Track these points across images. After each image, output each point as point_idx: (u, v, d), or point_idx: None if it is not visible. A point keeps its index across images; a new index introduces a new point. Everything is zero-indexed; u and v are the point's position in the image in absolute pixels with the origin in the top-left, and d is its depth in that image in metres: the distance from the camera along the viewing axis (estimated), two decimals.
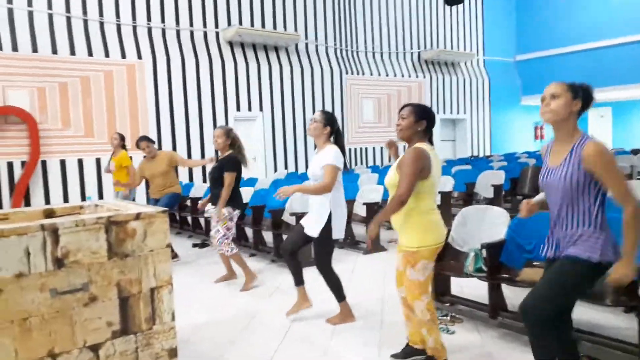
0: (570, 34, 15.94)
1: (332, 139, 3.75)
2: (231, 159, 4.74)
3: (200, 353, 3.31)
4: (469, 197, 8.06)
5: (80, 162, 9.17)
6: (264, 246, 6.25)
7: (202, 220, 7.53)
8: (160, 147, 9.86)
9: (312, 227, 3.65)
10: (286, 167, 11.77)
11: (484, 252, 3.59)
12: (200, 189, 8.36)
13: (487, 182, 7.90)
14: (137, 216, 2.58)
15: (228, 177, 4.69)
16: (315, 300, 4.01)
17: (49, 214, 3.05)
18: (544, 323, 2.18)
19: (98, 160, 9.23)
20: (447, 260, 3.90)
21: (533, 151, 15.04)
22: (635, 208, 2.04)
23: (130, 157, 6.88)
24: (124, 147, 6.92)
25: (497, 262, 3.55)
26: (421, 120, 2.84)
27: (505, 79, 16.90)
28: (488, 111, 16.33)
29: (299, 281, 3.86)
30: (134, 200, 6.62)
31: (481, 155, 15.76)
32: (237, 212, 4.85)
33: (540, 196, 2.49)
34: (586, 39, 15.49)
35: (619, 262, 2.10)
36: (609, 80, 14.95)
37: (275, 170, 11.51)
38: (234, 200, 4.79)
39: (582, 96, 2.19)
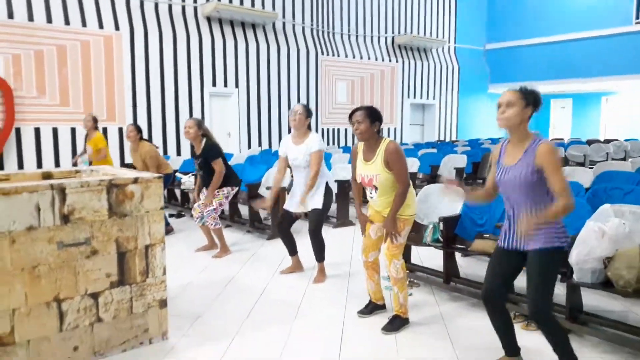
0: (539, 26, 16.54)
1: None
2: (211, 147, 4.93)
3: (183, 309, 3.63)
4: (432, 179, 8.53)
5: (55, 130, 9.21)
6: (240, 218, 6.58)
7: (177, 192, 7.78)
8: (135, 120, 9.95)
9: (315, 202, 4.21)
10: (260, 144, 12.03)
11: (441, 224, 4.03)
12: (176, 161, 8.60)
13: (451, 165, 8.38)
14: (135, 180, 2.88)
15: (217, 165, 4.89)
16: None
17: (47, 176, 3.31)
18: (551, 317, 2.47)
19: (73, 130, 9.30)
20: (409, 232, 4.33)
21: (497, 138, 15.69)
22: (568, 203, 2.34)
23: (105, 138, 6.82)
24: (96, 128, 6.76)
25: (452, 234, 4.01)
26: (375, 122, 3.24)
27: (474, 67, 17.43)
28: (456, 98, 16.88)
29: (293, 251, 4.56)
30: None
31: (447, 140, 16.35)
32: (235, 190, 5.17)
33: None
34: (553, 32, 16.12)
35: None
36: (571, 73, 15.68)
37: (249, 147, 11.75)
38: (231, 178, 5.09)
39: (533, 102, 2.46)
